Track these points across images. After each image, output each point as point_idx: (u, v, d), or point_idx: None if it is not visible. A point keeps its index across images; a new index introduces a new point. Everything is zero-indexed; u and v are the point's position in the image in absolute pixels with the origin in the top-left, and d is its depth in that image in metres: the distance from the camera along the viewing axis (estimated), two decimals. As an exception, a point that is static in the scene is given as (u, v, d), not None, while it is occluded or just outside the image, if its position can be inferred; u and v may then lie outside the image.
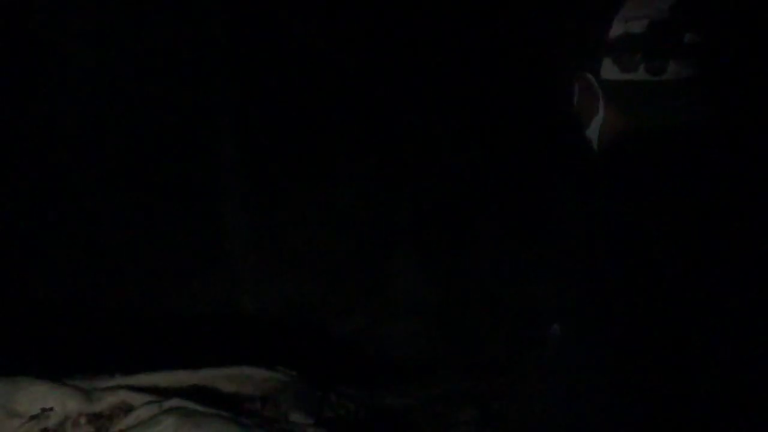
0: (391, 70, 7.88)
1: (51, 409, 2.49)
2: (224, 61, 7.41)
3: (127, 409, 2.57)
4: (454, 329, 5.59)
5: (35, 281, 5.75)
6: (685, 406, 0.93)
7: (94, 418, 2.49)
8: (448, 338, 5.51)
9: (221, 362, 3.13)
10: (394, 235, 6.92)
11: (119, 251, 6.49)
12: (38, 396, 2.52)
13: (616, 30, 1.07)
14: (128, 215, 6.85)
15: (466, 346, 5.16)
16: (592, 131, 1.16)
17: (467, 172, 7.69)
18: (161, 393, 2.69)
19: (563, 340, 0.97)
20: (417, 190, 7.91)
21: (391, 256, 6.50)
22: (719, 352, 0.95)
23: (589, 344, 0.93)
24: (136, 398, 2.62)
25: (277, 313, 6.66)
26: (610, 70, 1.08)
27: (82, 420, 2.47)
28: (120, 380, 2.76)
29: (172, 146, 7.49)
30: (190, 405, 2.56)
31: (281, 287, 6.96)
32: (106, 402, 2.58)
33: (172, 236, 7.18)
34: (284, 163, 8.14)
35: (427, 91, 7.90)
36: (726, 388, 0.94)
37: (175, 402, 2.56)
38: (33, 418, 2.46)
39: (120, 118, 7.09)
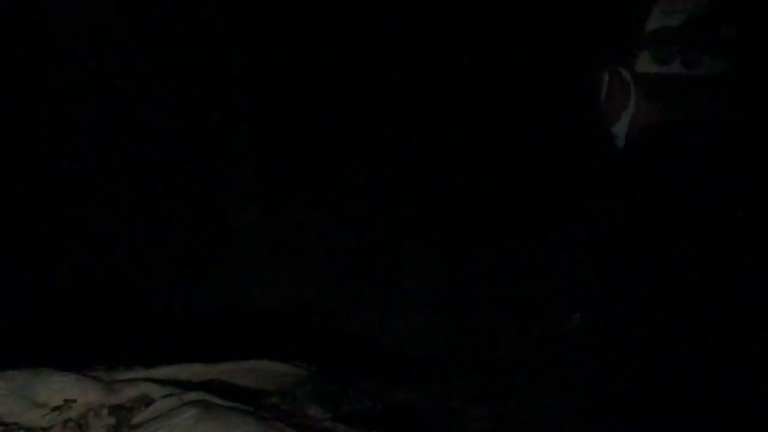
0: (399, 61, 7.87)
1: (73, 400, 2.51)
2: (236, 60, 7.44)
3: (147, 401, 2.59)
4: (466, 325, 5.59)
5: (53, 277, 5.81)
6: (706, 403, 0.93)
7: (115, 409, 2.52)
8: (460, 334, 5.52)
9: (236, 357, 3.15)
10: (405, 231, 6.93)
11: (132, 247, 6.54)
12: (60, 387, 2.55)
13: (654, 23, 1.07)
14: (141, 212, 6.89)
15: (478, 342, 5.16)
16: (620, 126, 1.16)
17: (477, 166, 7.68)
18: (180, 385, 2.71)
19: (585, 330, 0.97)
20: (426, 184, 7.91)
21: (401, 252, 6.51)
22: (744, 351, 0.95)
23: (613, 336, 0.93)
24: (155, 390, 2.64)
25: (287, 310, 6.69)
26: (645, 63, 1.08)
27: (104, 411, 2.49)
28: (140, 372, 2.79)
29: (183, 143, 7.53)
30: (210, 398, 2.58)
31: (291, 283, 6.99)
32: (127, 394, 2.61)
33: (183, 233, 7.22)
34: (293, 160, 8.16)
35: (438, 83, 7.89)
36: (749, 386, 0.94)
37: (194, 395, 2.58)
38: (55, 408, 2.49)
39: (132, 114, 7.13)
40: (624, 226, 0.99)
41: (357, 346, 5.80)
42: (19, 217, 5.95)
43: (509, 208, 6.82)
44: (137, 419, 2.46)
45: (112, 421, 2.45)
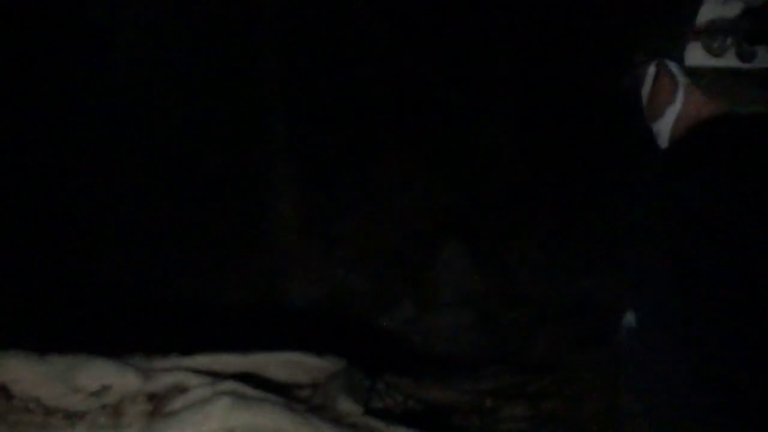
0: (442, 56, 7.81)
1: (111, 386, 2.56)
2: (275, 52, 7.49)
3: (182, 389, 2.62)
4: (502, 324, 5.53)
5: (93, 268, 5.96)
6: (758, 410, 0.88)
7: (151, 396, 2.55)
8: (496, 333, 5.46)
9: (270, 349, 3.17)
10: (443, 226, 6.88)
11: (172, 240, 6.67)
12: (98, 373, 2.60)
13: (707, 13, 1.02)
14: (180, 206, 7.02)
15: (515, 341, 5.10)
16: (664, 123, 1.12)
17: (519, 163, 7.58)
18: (214, 375, 2.74)
19: (640, 330, 0.94)
20: (467, 180, 7.84)
21: (439, 248, 6.48)
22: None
23: (669, 336, 0.89)
24: (190, 379, 2.67)
25: (323, 303, 6.72)
26: (697, 56, 1.03)
27: (140, 398, 2.53)
28: (175, 361, 2.82)
29: (222, 136, 7.63)
30: (243, 388, 2.60)
31: (328, 277, 7.02)
32: (162, 382, 2.64)
33: (222, 225, 7.32)
34: (333, 153, 8.19)
35: (480, 79, 7.81)
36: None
37: (228, 385, 2.60)
38: (93, 393, 2.54)
39: (172, 106, 7.25)
40: (670, 227, 0.95)
41: (390, 342, 5.79)
42: (62, 208, 6.12)
43: (550, 207, 6.72)
44: (172, 407, 2.49)
45: (147, 407, 2.49)
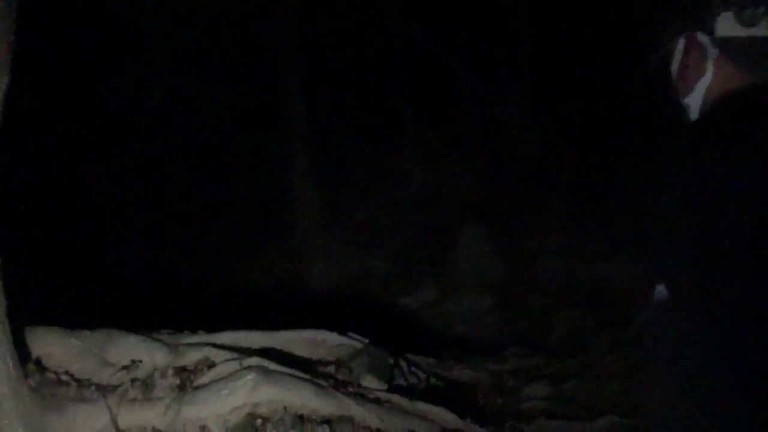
0: (462, 40, 7.75)
1: (141, 361, 2.62)
2: (295, 38, 7.49)
3: (210, 364, 2.68)
4: (522, 307, 5.53)
5: (125, 249, 6.08)
6: None
7: (180, 371, 2.61)
8: (516, 316, 5.46)
9: (294, 328, 3.22)
10: (463, 211, 6.88)
11: (199, 224, 6.77)
12: (129, 348, 2.66)
13: None
14: (207, 192, 7.11)
15: (535, 324, 5.10)
16: (695, 97, 1.10)
17: (539, 148, 7.53)
18: (241, 351, 2.79)
19: (670, 303, 0.94)
20: (487, 165, 7.81)
21: (459, 232, 6.48)
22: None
23: (698, 310, 0.90)
24: (217, 355, 2.72)
25: (345, 285, 6.77)
26: (728, 26, 1.02)
27: (169, 372, 2.59)
28: (203, 337, 2.88)
29: (244, 123, 7.68)
30: (268, 364, 2.65)
31: (349, 260, 7.06)
32: (191, 357, 2.70)
33: (246, 210, 7.40)
34: (354, 140, 8.20)
35: (500, 62, 7.74)
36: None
37: (254, 360, 2.65)
38: (124, 368, 2.60)
39: (196, 94, 7.31)
40: (700, 201, 0.94)
41: (411, 324, 5.83)
42: (94, 190, 6.23)
43: (570, 192, 6.67)
44: (200, 381, 2.55)
45: (176, 381, 2.55)
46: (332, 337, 3.19)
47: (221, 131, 7.56)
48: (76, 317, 2.80)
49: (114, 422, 2.33)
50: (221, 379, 2.55)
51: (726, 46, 1.03)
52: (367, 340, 3.23)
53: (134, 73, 7.04)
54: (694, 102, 1.10)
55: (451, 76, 8.21)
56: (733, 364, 0.88)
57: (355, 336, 3.26)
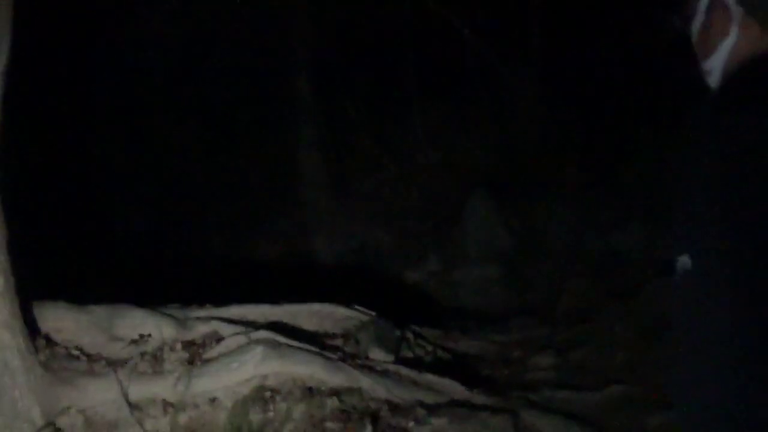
0: (470, 10, 7.62)
1: (149, 335, 2.64)
2: (303, 9, 7.39)
3: (218, 338, 2.70)
4: (530, 278, 5.52)
5: (131, 224, 6.09)
6: None
7: (188, 344, 2.63)
8: (524, 287, 5.46)
9: (301, 301, 3.23)
10: (471, 182, 6.84)
11: (206, 198, 6.76)
12: (137, 322, 2.68)
13: None
14: (214, 165, 7.09)
15: (543, 294, 5.10)
16: (717, 58, 1.06)
17: (546, 117, 7.45)
18: (248, 324, 2.80)
19: (695, 272, 0.92)
20: (494, 135, 7.74)
21: (466, 203, 6.45)
22: None
23: (726, 276, 0.88)
24: (225, 328, 2.74)
25: (351, 258, 6.78)
26: None
27: (178, 346, 2.61)
28: (210, 311, 2.89)
29: (251, 96, 7.62)
30: (276, 337, 2.66)
31: (355, 232, 7.06)
32: (199, 330, 2.72)
33: (252, 184, 7.39)
34: (359, 111, 8.14)
35: (508, 31, 7.62)
36: None
37: (262, 333, 2.66)
38: (133, 342, 2.62)
39: (200, 66, 7.25)
40: (726, 164, 0.91)
41: (418, 296, 5.84)
42: (100, 164, 6.22)
43: (578, 161, 6.61)
44: (208, 354, 2.57)
45: (185, 355, 2.57)
46: (339, 310, 3.20)
47: (227, 103, 7.51)
48: (85, 292, 2.81)
49: (125, 395, 2.35)
50: (230, 352, 2.57)
51: (750, 5, 0.99)
52: (373, 313, 3.24)
53: (138, 43, 6.96)
54: (716, 63, 1.06)
55: (460, 46, 8.10)
56: (762, 333, 0.86)
57: (362, 309, 3.27)
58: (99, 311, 2.72)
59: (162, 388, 2.41)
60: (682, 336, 0.97)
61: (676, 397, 1.00)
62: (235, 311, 2.92)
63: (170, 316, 2.77)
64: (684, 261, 0.95)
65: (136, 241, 5.69)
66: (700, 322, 0.93)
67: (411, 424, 2.31)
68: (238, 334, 2.67)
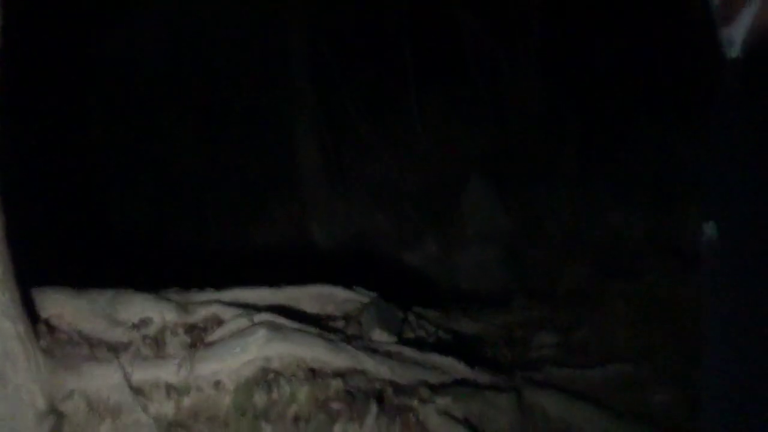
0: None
1: (150, 319, 2.63)
2: (298, 1, 7.32)
3: (219, 321, 2.69)
4: (530, 259, 5.53)
5: (131, 210, 6.06)
6: None
7: (190, 328, 2.62)
8: (524, 268, 5.46)
9: (301, 283, 3.21)
10: (470, 164, 6.82)
11: (206, 184, 6.74)
12: (138, 307, 2.66)
13: None
14: (213, 152, 7.05)
15: (543, 275, 5.10)
16: (739, 27, 1.03)
17: (545, 98, 7.41)
18: (249, 307, 2.79)
19: (722, 240, 0.91)
20: (490, 118, 7.71)
21: (465, 186, 6.43)
22: None
23: (754, 245, 0.86)
24: (226, 311, 2.73)
25: (351, 242, 6.78)
26: None
27: (179, 329, 2.60)
28: (211, 295, 2.88)
29: (247, 83, 7.56)
30: (278, 319, 2.65)
31: (355, 216, 7.05)
32: (200, 314, 2.70)
33: (250, 168, 7.36)
34: (356, 96, 8.08)
35: (506, 13, 7.56)
36: None
37: (263, 316, 2.65)
38: (134, 326, 2.61)
39: (197, 51, 7.18)
40: (754, 137, 0.89)
41: (418, 279, 5.84)
42: (95, 154, 6.18)
43: (577, 142, 6.59)
44: (210, 338, 2.55)
45: (187, 339, 2.56)
46: (340, 293, 3.19)
47: (225, 89, 7.46)
48: (85, 278, 2.79)
49: (127, 380, 2.34)
50: (232, 335, 2.56)
51: None
52: (375, 294, 3.23)
53: (135, 29, 6.89)
54: (737, 33, 1.03)
55: (458, 31, 8.04)
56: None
57: (363, 290, 3.26)
58: (100, 297, 2.70)
59: (165, 372, 2.39)
60: (715, 303, 0.95)
61: (706, 368, 0.98)
62: (236, 294, 2.90)
63: (171, 300, 2.75)
64: (710, 228, 0.94)
65: (136, 227, 5.67)
66: (729, 291, 0.91)
67: (416, 403, 2.31)
68: (240, 317, 2.66)
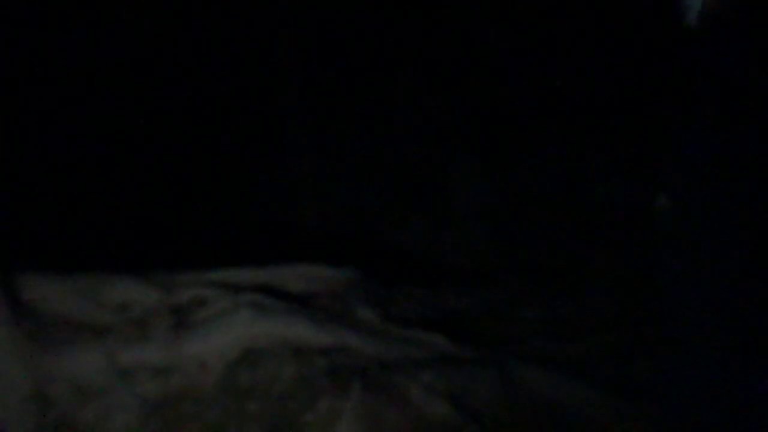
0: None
1: (134, 301, 2.63)
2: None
3: (204, 302, 2.69)
4: (517, 233, 5.55)
5: (113, 189, 6.00)
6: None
7: (174, 309, 2.62)
8: (511, 243, 5.49)
9: (287, 262, 3.22)
10: (453, 142, 6.81)
11: (189, 161, 6.68)
12: (122, 289, 2.66)
13: None
14: (197, 129, 6.98)
15: (531, 250, 5.13)
16: None
17: (530, 71, 7.39)
18: (234, 288, 2.79)
19: (673, 211, 0.92)
20: (475, 95, 7.67)
21: (450, 162, 6.43)
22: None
23: (701, 216, 0.88)
24: (211, 292, 2.73)
25: (337, 220, 6.77)
26: None
27: (163, 311, 2.60)
28: (195, 276, 2.88)
29: (233, 60, 7.47)
30: (263, 299, 2.66)
31: (341, 195, 7.04)
32: (185, 295, 2.70)
33: (235, 147, 7.30)
34: (342, 74, 8.01)
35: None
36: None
37: (248, 296, 2.66)
38: (118, 308, 2.61)
39: (183, 32, 7.07)
40: (707, 99, 0.90)
41: (405, 256, 5.86)
42: (78, 133, 6.10)
43: (564, 113, 6.58)
44: (195, 318, 2.56)
45: (171, 320, 2.56)
46: (325, 271, 3.19)
47: (211, 67, 7.36)
48: (67, 260, 2.78)
49: (112, 362, 2.35)
50: (217, 315, 2.57)
51: None
52: (360, 272, 3.24)
53: (122, 8, 6.77)
54: (694, 1, 1.04)
55: (440, 4, 7.96)
56: (742, 266, 0.87)
57: (349, 269, 3.27)
58: (83, 279, 2.69)
59: (150, 353, 2.40)
60: (665, 275, 0.97)
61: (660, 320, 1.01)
62: (221, 275, 2.90)
63: (155, 281, 2.75)
64: (663, 201, 0.95)
65: (119, 208, 5.63)
66: (680, 254, 0.93)
67: (400, 379, 2.33)
68: (224, 297, 2.67)
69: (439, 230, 6.17)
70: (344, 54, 7.95)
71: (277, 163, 7.26)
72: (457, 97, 7.71)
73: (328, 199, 7.05)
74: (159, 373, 2.35)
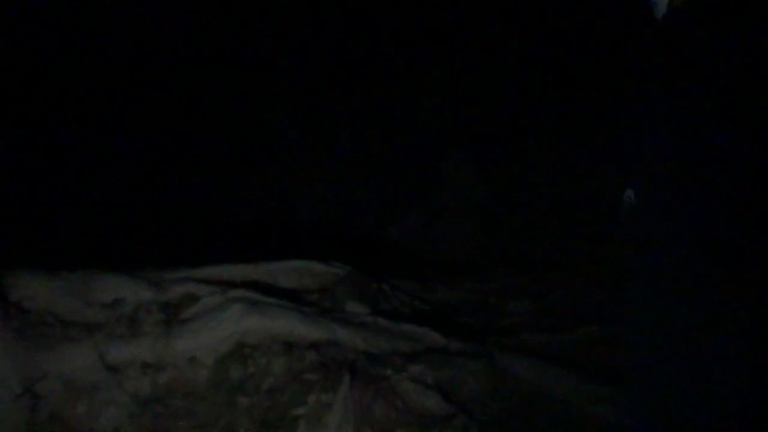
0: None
1: (124, 298, 2.63)
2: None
3: (194, 298, 2.70)
4: (507, 228, 5.58)
5: (109, 187, 6.00)
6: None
7: (165, 306, 2.63)
8: (502, 237, 5.52)
9: (279, 259, 3.23)
10: (446, 136, 6.83)
11: (184, 159, 6.68)
12: (112, 286, 2.67)
13: None
14: (187, 125, 6.97)
15: (521, 244, 5.16)
16: None
17: (518, 70, 7.41)
18: (225, 284, 2.81)
19: (639, 205, 0.94)
20: (467, 90, 7.69)
21: (443, 156, 6.45)
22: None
23: (667, 210, 0.90)
24: (201, 288, 2.74)
25: (330, 216, 6.79)
26: None
27: (154, 308, 2.61)
28: (186, 272, 2.89)
29: (226, 58, 7.46)
30: (253, 295, 2.67)
31: (333, 190, 7.05)
32: (175, 292, 2.71)
33: (228, 143, 7.30)
34: (334, 69, 8.01)
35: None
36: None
37: (238, 292, 2.67)
38: (108, 306, 2.61)
39: (176, 30, 7.06)
40: (672, 94, 0.92)
41: (397, 250, 5.88)
42: (69, 131, 6.09)
43: (553, 110, 6.61)
44: (185, 315, 2.57)
45: (162, 316, 2.57)
46: (316, 266, 3.21)
47: (203, 66, 7.35)
48: (57, 258, 2.79)
49: (103, 359, 2.36)
50: (207, 311, 2.58)
51: None
52: (350, 267, 3.26)
53: (114, 7, 6.75)
54: None
55: (433, 6, 7.97)
56: (709, 260, 0.88)
57: (339, 264, 3.29)
58: (73, 277, 2.69)
59: (140, 349, 2.41)
60: (634, 269, 0.99)
61: (631, 329, 1.03)
62: (212, 272, 2.91)
63: (145, 278, 2.76)
64: (629, 195, 0.97)
65: (110, 205, 5.63)
66: (649, 255, 0.95)
67: (388, 372, 2.36)
68: (214, 293, 2.68)
69: (433, 224, 6.20)
70: (336, 51, 7.95)
71: (269, 160, 7.27)
72: (451, 88, 7.73)
73: (321, 194, 7.06)
74: (150, 369, 2.36)
